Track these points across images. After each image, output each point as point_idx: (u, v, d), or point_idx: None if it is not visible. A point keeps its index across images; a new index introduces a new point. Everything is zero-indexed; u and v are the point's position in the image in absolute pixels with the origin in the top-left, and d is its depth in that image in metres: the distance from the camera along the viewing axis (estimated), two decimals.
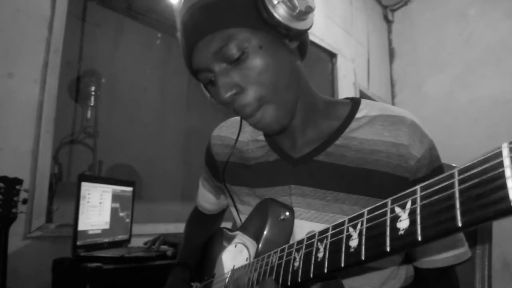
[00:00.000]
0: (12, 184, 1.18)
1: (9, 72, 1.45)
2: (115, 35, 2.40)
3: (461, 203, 0.27)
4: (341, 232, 0.39)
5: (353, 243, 0.37)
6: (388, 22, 4.03)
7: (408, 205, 0.32)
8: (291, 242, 0.50)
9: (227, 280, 0.65)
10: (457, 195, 0.27)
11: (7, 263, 1.17)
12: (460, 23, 3.39)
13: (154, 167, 2.49)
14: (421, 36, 3.70)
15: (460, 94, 3.29)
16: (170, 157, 2.65)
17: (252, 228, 0.67)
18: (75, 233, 1.35)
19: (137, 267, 1.30)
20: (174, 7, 2.15)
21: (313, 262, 0.42)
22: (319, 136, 0.64)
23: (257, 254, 0.62)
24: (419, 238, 0.30)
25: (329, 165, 0.62)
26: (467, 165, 0.28)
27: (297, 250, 0.46)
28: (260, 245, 0.62)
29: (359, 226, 0.37)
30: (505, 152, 0.25)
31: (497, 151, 0.25)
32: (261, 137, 0.71)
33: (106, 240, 1.52)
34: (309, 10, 0.54)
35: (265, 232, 0.63)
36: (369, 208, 0.37)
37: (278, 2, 0.52)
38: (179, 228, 0.97)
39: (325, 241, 0.42)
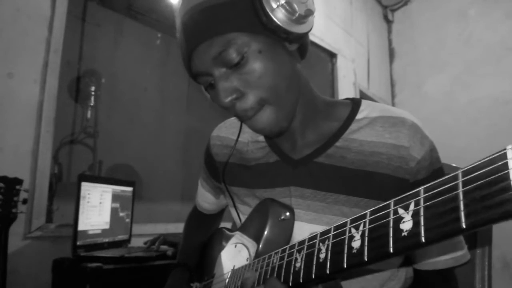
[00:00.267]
0: (12, 184, 1.18)
1: (9, 72, 1.45)
2: (115, 35, 2.40)
3: (465, 205, 0.27)
4: (343, 233, 0.39)
5: (356, 244, 0.37)
6: (388, 22, 4.03)
7: (411, 207, 0.32)
8: (291, 244, 0.50)
9: (227, 281, 0.65)
10: (461, 196, 0.27)
11: (7, 263, 1.17)
12: (460, 23, 3.39)
13: (154, 167, 2.49)
14: (421, 36, 3.70)
15: (460, 94, 3.29)
16: (170, 157, 2.64)
17: (252, 228, 0.66)
18: (75, 233, 1.34)
19: (137, 267, 1.30)
20: (174, 7, 2.15)
21: (315, 262, 0.42)
22: (319, 138, 0.64)
23: (257, 254, 0.61)
24: (423, 240, 0.30)
25: (329, 167, 0.61)
26: (471, 166, 0.27)
27: (299, 251, 0.46)
28: (260, 245, 0.62)
29: (361, 227, 0.37)
30: (510, 154, 0.25)
31: (502, 152, 0.25)
32: (261, 138, 0.71)
33: (106, 240, 1.52)
34: (309, 13, 0.54)
35: (265, 232, 0.62)
36: (371, 209, 0.37)
37: (278, 6, 0.51)
38: (179, 228, 0.97)
39: (327, 242, 0.42)
